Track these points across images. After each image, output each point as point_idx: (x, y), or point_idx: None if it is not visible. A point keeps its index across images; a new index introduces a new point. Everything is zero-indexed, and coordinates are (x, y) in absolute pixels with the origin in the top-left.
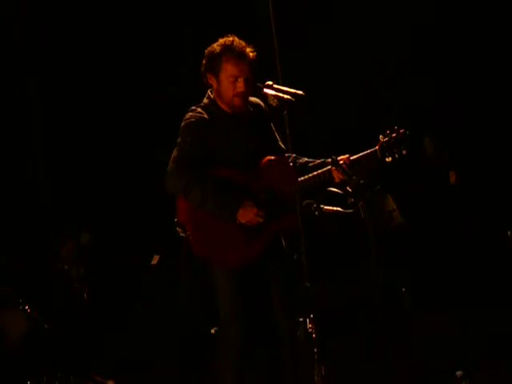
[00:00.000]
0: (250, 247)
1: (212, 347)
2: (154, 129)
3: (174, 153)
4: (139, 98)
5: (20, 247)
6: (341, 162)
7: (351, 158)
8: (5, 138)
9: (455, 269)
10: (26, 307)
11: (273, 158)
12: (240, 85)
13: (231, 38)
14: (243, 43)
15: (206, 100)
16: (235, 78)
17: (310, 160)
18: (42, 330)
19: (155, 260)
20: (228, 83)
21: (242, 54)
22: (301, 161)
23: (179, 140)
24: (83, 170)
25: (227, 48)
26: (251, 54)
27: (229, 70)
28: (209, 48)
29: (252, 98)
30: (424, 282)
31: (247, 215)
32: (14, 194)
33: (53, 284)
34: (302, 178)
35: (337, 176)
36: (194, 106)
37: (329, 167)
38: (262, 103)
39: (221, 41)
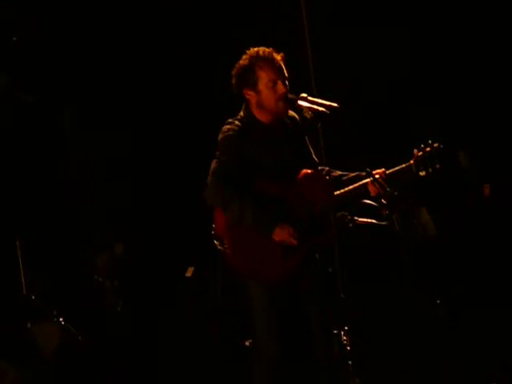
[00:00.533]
0: (287, 262)
1: (246, 359)
2: (189, 138)
3: (213, 165)
4: (178, 106)
5: (54, 259)
6: (376, 176)
7: (387, 172)
8: (41, 148)
9: (489, 281)
10: (61, 319)
11: (310, 171)
12: (280, 87)
13: (255, 49)
14: (268, 48)
15: (242, 113)
16: (274, 81)
17: (344, 173)
18: (76, 343)
19: (190, 272)
20: (268, 90)
21: (272, 58)
22: (334, 174)
23: (218, 153)
24: (118, 180)
25: (256, 57)
26: (279, 56)
27: (265, 75)
28: (236, 66)
29: (289, 112)
30: (459, 293)
31: (282, 235)
32: (52, 205)
33: (87, 296)
34: (339, 192)
35: (373, 190)
36: (230, 118)
37: (365, 181)
38: (297, 116)
39: (244, 56)
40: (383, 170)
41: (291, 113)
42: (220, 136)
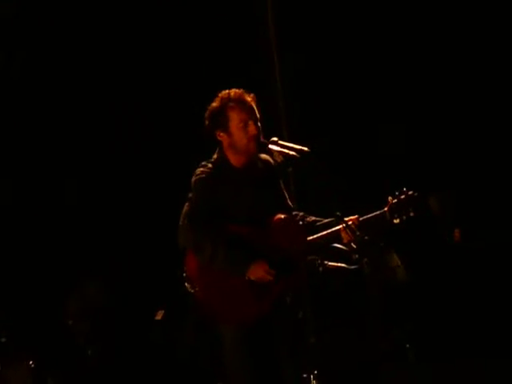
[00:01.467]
0: (259, 304)
1: None
2: (162, 180)
3: (186, 208)
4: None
5: (26, 301)
6: (349, 222)
7: (360, 218)
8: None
9: (459, 325)
10: (30, 362)
11: (283, 216)
12: (252, 127)
13: (225, 91)
14: (238, 90)
15: (215, 155)
16: (245, 122)
17: (318, 219)
18: None
19: (160, 315)
20: (239, 131)
21: (242, 99)
22: (308, 219)
23: (190, 195)
24: (91, 222)
25: (227, 99)
26: (250, 96)
27: (236, 116)
28: (208, 109)
29: (262, 155)
30: (428, 337)
31: (258, 272)
32: (23, 245)
33: (57, 339)
34: (311, 238)
35: (345, 236)
36: (204, 161)
37: (338, 227)
38: (271, 160)
39: (216, 98)
40: (356, 216)
41: (265, 156)
42: (193, 179)
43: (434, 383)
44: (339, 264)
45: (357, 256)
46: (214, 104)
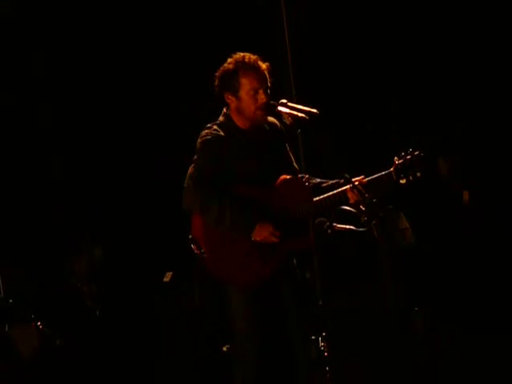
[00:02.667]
0: (265, 266)
1: (224, 365)
2: (166, 143)
3: (191, 170)
4: (158, 107)
5: (33, 262)
6: (356, 183)
7: (366, 179)
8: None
9: (467, 288)
10: (38, 323)
11: (288, 177)
12: (261, 96)
13: (241, 54)
14: (254, 55)
15: (221, 118)
16: (255, 90)
17: (324, 181)
18: (53, 346)
19: (168, 277)
20: (249, 97)
21: (256, 66)
22: (314, 181)
23: (195, 157)
24: (96, 184)
25: (241, 63)
26: (264, 65)
27: (248, 83)
28: (220, 69)
29: (269, 118)
30: (436, 300)
31: (263, 233)
32: (28, 208)
33: (65, 301)
34: (317, 199)
35: (352, 197)
36: (209, 123)
37: (344, 187)
38: (278, 123)
39: (230, 59)
40: (362, 176)
41: (272, 119)
42: (198, 140)
43: (442, 347)
44: (348, 226)
45: (365, 218)
46: (227, 65)
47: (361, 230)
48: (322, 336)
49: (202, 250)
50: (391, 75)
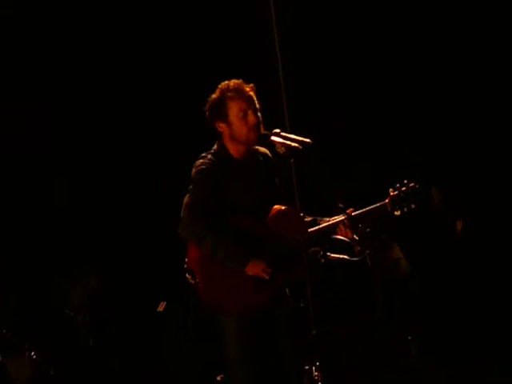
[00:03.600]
0: (259, 296)
1: None
2: (163, 173)
3: (187, 199)
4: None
5: (26, 291)
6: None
7: (359, 211)
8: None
9: (462, 318)
10: (32, 353)
11: (283, 207)
12: (251, 117)
13: (225, 82)
14: (237, 80)
15: (215, 147)
16: (244, 111)
17: (319, 218)
18: (47, 376)
19: (162, 307)
20: (239, 120)
21: (241, 89)
22: (308, 219)
23: (191, 187)
24: (92, 213)
25: (226, 89)
26: (249, 86)
27: (235, 106)
28: (208, 100)
29: (261, 148)
30: (430, 330)
31: (255, 270)
32: (23, 237)
33: (59, 330)
34: (317, 228)
35: (340, 232)
36: (204, 153)
37: (338, 219)
38: (269, 154)
39: (216, 91)
40: (351, 209)
41: (265, 150)
42: (193, 170)
43: (435, 376)
44: (341, 256)
45: (359, 248)
46: (214, 95)
47: (354, 259)
48: (315, 365)
49: (197, 280)
50: (386, 101)
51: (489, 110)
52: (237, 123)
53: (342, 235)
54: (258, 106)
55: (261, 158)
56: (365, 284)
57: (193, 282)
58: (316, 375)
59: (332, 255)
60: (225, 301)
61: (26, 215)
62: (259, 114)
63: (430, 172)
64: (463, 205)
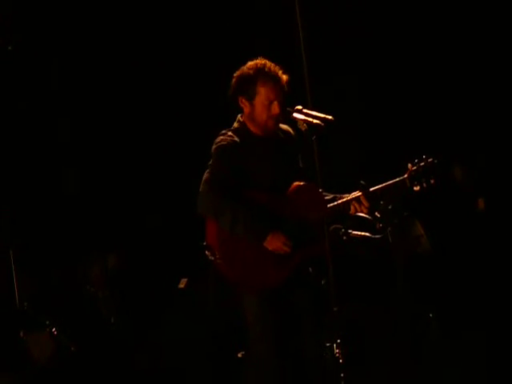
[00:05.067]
0: (278, 272)
1: (239, 371)
2: (182, 149)
3: (206, 175)
4: (170, 115)
5: (47, 269)
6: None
7: (375, 187)
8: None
9: (482, 295)
10: (53, 329)
11: (302, 183)
12: (275, 107)
13: (263, 61)
14: (275, 66)
15: (236, 124)
16: (270, 101)
17: (338, 195)
18: (68, 353)
19: (183, 283)
20: (263, 106)
21: (276, 77)
22: (328, 197)
23: (211, 162)
24: (111, 191)
25: (262, 71)
26: (284, 77)
27: (265, 93)
28: (239, 71)
29: (283, 125)
30: (451, 308)
31: (275, 243)
32: (44, 214)
33: (79, 307)
34: (331, 205)
35: (353, 208)
36: (224, 129)
37: (357, 195)
38: (292, 131)
39: (252, 63)
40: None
41: (287, 127)
42: (213, 147)
43: (457, 353)
44: (363, 233)
45: (381, 225)
46: (247, 70)
47: (376, 237)
48: (336, 343)
49: (217, 256)
50: (411, 82)
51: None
52: (259, 109)
53: (356, 212)
54: (284, 98)
55: (282, 135)
56: (386, 261)
57: (212, 258)
58: (337, 352)
59: (354, 232)
60: (244, 277)
61: (46, 198)
62: (284, 104)
63: (452, 149)
64: (485, 182)
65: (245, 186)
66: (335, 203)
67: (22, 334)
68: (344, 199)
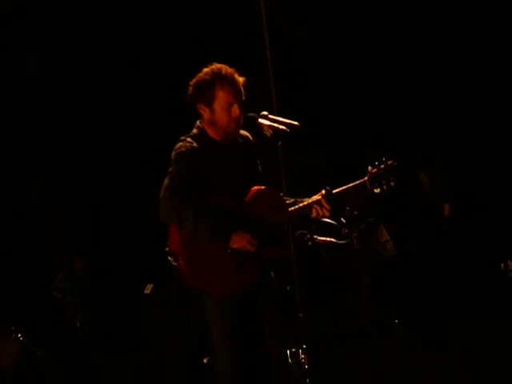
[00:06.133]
0: (241, 276)
1: (205, 377)
2: (145, 155)
3: (166, 181)
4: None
5: (13, 275)
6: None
7: (339, 189)
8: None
9: (447, 300)
10: (19, 335)
11: (262, 188)
12: (235, 110)
13: (219, 66)
14: (231, 69)
15: (195, 130)
16: (230, 104)
17: (299, 199)
18: (34, 358)
19: (149, 289)
20: (223, 110)
21: (233, 80)
22: (289, 201)
23: (170, 169)
24: (76, 195)
25: (218, 75)
26: (241, 79)
27: (224, 97)
28: (196, 78)
29: (242, 131)
30: (416, 313)
31: (240, 242)
32: (10, 218)
33: (46, 312)
34: (292, 208)
35: (315, 211)
36: (183, 136)
37: (318, 198)
38: (250, 136)
39: (207, 69)
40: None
41: (245, 133)
42: (173, 153)
43: (421, 358)
44: (328, 238)
45: (346, 231)
46: (204, 76)
47: (341, 242)
48: (302, 348)
49: (179, 262)
50: (375, 85)
51: (478, 94)
52: (220, 113)
53: (318, 216)
54: (244, 99)
55: (240, 140)
56: (352, 267)
57: (175, 264)
58: (303, 358)
59: (319, 238)
60: (208, 282)
61: (12, 204)
62: (243, 107)
63: (419, 156)
64: (451, 188)
65: (205, 191)
66: (296, 207)
67: None
68: (305, 202)
